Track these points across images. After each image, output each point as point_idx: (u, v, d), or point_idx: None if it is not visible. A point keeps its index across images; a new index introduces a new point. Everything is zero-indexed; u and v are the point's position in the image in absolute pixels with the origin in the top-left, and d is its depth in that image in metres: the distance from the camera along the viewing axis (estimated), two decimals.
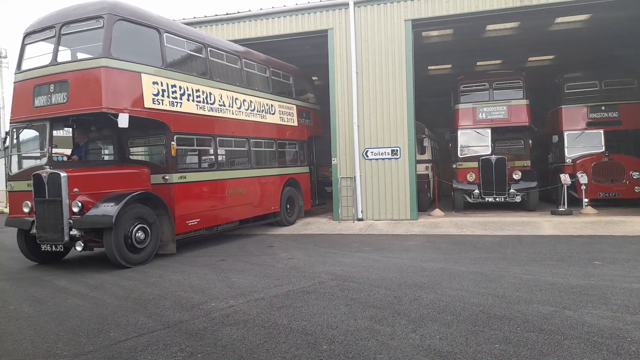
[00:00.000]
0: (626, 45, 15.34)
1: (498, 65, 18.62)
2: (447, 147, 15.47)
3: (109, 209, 7.38)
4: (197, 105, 9.32)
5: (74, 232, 7.42)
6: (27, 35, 8.48)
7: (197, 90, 9.34)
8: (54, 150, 8.24)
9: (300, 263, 7.59)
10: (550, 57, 17.97)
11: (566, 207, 12.08)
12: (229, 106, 10.27)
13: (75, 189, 7.47)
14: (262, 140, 11.57)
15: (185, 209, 8.81)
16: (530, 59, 18.01)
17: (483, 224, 11.07)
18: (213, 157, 9.91)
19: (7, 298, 6.07)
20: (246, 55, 11.33)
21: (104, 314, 5.14)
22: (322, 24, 12.67)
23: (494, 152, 13.69)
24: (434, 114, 19.26)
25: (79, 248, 7.46)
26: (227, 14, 13.36)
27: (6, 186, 8.83)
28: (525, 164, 14.00)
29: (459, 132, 14.05)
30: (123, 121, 7.53)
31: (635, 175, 13.01)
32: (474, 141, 13.92)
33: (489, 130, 13.79)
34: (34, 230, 7.76)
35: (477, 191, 13.23)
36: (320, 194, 15.14)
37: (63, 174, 7.39)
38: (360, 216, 12.34)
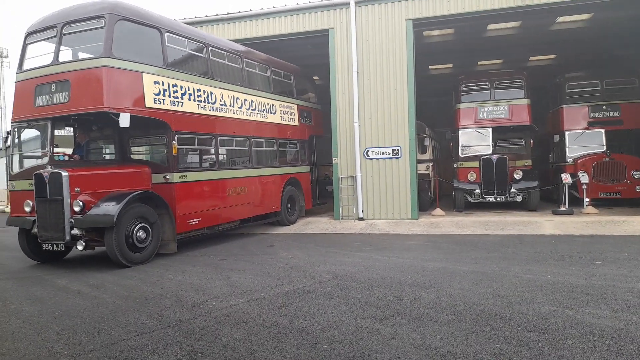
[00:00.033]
0: (628, 44, 15.32)
1: (499, 65, 18.62)
2: (448, 146, 15.47)
3: (110, 208, 7.39)
4: (198, 104, 9.33)
5: (75, 231, 7.44)
6: (28, 35, 8.49)
7: (198, 90, 9.35)
8: (55, 150, 8.25)
9: (301, 262, 7.59)
10: (552, 56, 17.95)
11: (567, 207, 12.06)
12: (230, 106, 10.28)
13: (77, 189, 7.48)
14: (263, 140, 11.58)
15: (186, 209, 8.82)
16: (531, 58, 17.99)
17: (484, 224, 11.06)
18: (214, 156, 9.92)
19: (8, 297, 6.08)
20: (247, 55, 11.34)
21: (104, 313, 5.15)
22: (323, 23, 12.67)
23: (495, 151, 13.67)
24: (435, 113, 19.25)
25: (80, 247, 7.47)
26: (228, 13, 13.37)
27: (8, 185, 8.85)
28: (526, 164, 13.99)
29: (460, 131, 14.04)
30: (124, 121, 7.54)
31: (637, 174, 12.99)
32: (475, 141, 13.91)
33: (490, 130, 13.78)
34: (35, 230, 7.77)
35: (478, 191, 13.22)
36: (321, 194, 15.14)
37: (64, 174, 7.40)
38: (361, 216, 12.35)
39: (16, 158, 8.77)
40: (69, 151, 9.43)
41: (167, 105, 8.56)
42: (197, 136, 9.48)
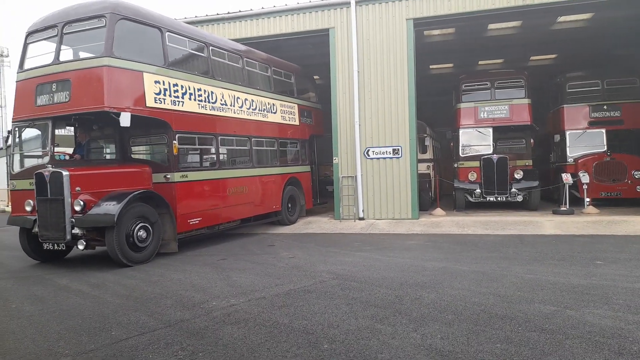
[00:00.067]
0: (628, 44, 15.31)
1: (500, 65, 18.61)
2: (449, 146, 15.45)
3: (111, 207, 7.39)
4: (198, 104, 9.33)
5: (76, 230, 7.44)
6: (29, 34, 8.49)
7: (199, 89, 9.35)
8: (56, 149, 8.26)
9: (302, 262, 7.59)
10: (552, 56, 17.95)
11: (568, 207, 12.05)
12: (231, 105, 10.27)
13: (77, 188, 7.48)
14: (264, 139, 11.58)
15: (186, 208, 8.82)
16: (532, 58, 17.98)
17: (484, 224, 11.06)
18: (215, 156, 9.92)
19: (9, 296, 6.08)
20: (248, 54, 11.33)
21: (105, 312, 5.15)
22: (324, 23, 12.66)
23: (496, 151, 13.67)
24: (435, 113, 19.21)
25: (80, 247, 7.47)
26: (228, 13, 13.37)
27: (8, 185, 8.85)
28: (526, 164, 13.98)
29: (461, 131, 14.04)
30: (125, 120, 7.54)
31: (637, 174, 12.99)
32: (475, 140, 13.91)
33: (490, 130, 13.78)
34: (36, 229, 7.77)
35: (478, 190, 13.22)
36: (321, 193, 15.14)
37: (65, 173, 7.40)
38: (361, 215, 12.34)
39: (17, 157, 8.77)
40: (70, 150, 9.44)
41: (167, 105, 8.56)
42: (197, 136, 9.48)
